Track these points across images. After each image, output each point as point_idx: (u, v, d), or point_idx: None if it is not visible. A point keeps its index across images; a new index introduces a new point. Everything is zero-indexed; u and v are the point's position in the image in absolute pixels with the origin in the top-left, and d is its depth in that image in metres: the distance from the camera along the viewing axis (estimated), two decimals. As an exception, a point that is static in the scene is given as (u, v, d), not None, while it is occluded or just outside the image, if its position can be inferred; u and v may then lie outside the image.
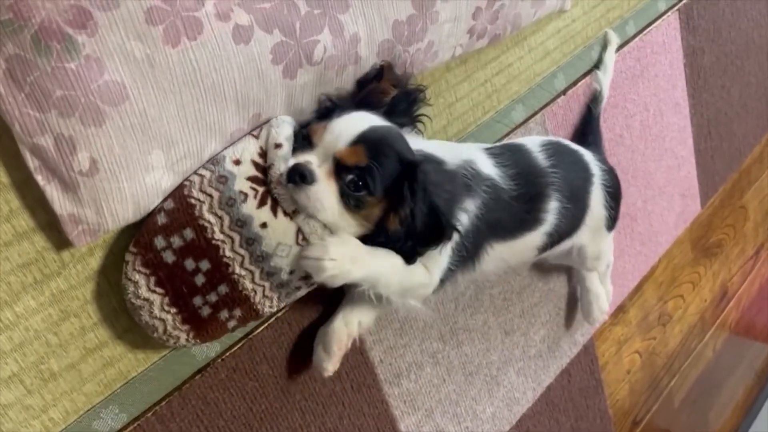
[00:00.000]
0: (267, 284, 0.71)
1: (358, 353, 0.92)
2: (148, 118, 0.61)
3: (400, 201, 0.69)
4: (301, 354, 0.85)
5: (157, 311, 0.67)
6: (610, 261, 1.15)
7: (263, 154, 0.70)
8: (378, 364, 0.95)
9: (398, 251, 0.72)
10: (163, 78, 0.61)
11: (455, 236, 0.72)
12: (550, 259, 1.01)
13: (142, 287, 0.66)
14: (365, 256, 0.71)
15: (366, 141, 0.68)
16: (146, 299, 0.67)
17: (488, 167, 0.83)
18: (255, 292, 0.70)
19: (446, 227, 0.70)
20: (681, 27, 1.39)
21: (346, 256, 0.69)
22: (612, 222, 1.03)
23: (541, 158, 0.90)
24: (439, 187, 0.73)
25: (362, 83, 0.77)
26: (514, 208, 0.84)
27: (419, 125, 0.80)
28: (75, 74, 0.56)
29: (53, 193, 0.60)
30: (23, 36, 0.54)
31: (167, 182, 0.66)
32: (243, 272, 0.69)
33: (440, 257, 0.77)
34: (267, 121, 0.72)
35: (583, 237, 1.00)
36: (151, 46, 0.59)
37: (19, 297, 0.63)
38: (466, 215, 0.77)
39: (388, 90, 0.76)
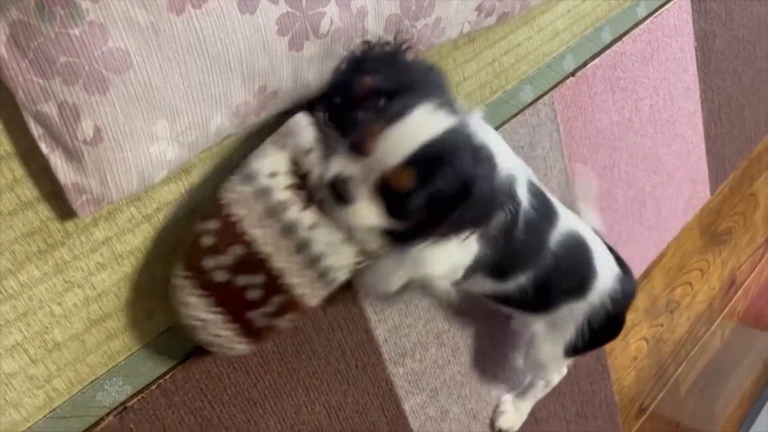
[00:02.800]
0: (319, 284, 0.71)
1: (362, 332, 0.92)
2: (153, 86, 0.61)
3: (444, 215, 0.66)
4: (307, 332, 0.85)
5: (215, 329, 0.69)
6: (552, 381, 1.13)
7: (296, 162, 0.69)
8: (383, 343, 0.95)
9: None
10: (168, 46, 0.60)
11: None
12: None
13: (199, 309, 0.67)
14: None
15: (418, 163, 0.63)
16: (204, 320, 0.68)
17: (523, 193, 0.81)
18: (307, 295, 0.71)
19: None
20: (693, 10, 1.37)
21: None
22: (571, 351, 0.99)
23: (553, 239, 0.86)
24: (481, 205, 0.70)
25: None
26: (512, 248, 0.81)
27: None
28: (79, 40, 0.56)
29: (57, 162, 0.59)
30: (27, 1, 0.53)
31: (172, 153, 0.66)
32: (296, 280, 0.69)
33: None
34: (279, 108, 0.72)
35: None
36: (156, 13, 0.59)
37: (23, 266, 0.63)
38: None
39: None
